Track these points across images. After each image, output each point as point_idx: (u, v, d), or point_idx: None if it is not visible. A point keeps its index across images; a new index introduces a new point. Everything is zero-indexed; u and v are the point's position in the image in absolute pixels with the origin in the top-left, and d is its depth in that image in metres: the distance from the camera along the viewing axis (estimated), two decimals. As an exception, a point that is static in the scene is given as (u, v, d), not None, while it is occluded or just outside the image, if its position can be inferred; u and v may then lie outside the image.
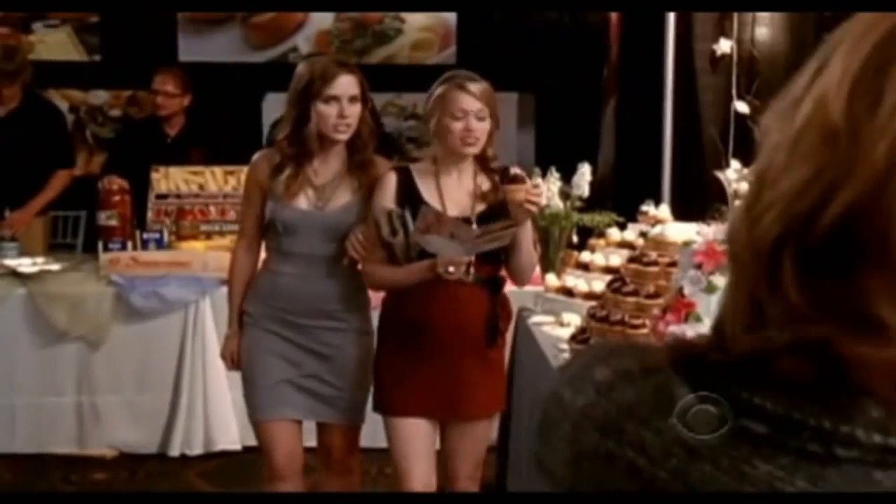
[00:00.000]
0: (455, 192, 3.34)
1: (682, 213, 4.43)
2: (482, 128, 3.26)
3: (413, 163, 3.52)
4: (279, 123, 3.58)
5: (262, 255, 3.64)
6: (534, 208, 3.26)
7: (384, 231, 3.28)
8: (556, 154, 5.24)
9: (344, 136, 3.36)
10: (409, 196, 3.32)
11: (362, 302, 3.55)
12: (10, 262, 5.21)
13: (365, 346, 3.51)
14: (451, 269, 3.17)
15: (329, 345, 3.49)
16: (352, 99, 3.33)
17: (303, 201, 3.41)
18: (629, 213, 4.55)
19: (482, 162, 3.34)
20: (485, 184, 3.33)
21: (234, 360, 3.58)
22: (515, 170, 3.29)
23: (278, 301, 3.48)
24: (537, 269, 3.87)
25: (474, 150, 3.28)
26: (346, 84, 3.33)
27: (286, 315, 3.48)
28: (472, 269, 3.21)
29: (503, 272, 3.44)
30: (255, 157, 3.57)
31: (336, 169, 3.44)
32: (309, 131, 3.34)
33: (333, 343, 3.49)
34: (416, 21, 7.52)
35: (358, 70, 3.39)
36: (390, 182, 3.37)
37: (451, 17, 7.53)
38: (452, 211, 3.28)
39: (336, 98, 3.31)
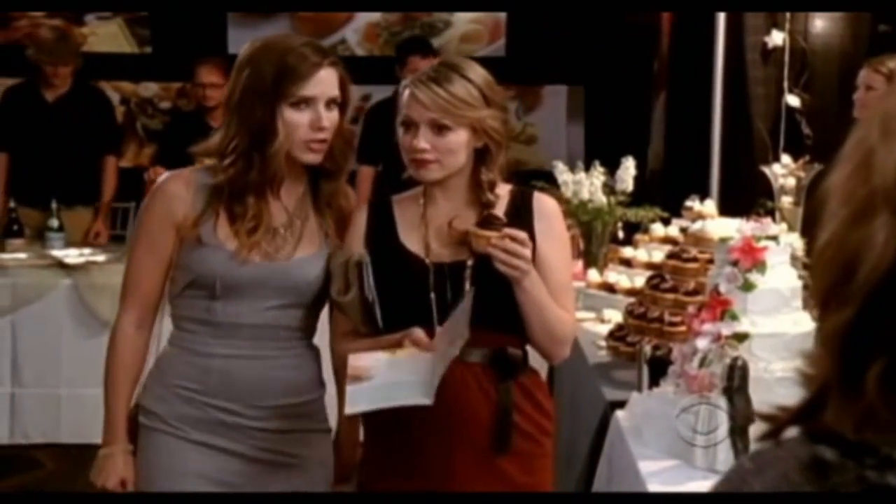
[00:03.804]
0: (444, 231, 2.40)
1: (731, 208, 4.35)
2: (440, 144, 2.32)
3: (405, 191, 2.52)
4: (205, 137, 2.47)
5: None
6: (503, 268, 2.26)
7: (333, 288, 2.38)
8: (606, 147, 5.17)
9: (316, 157, 2.36)
10: (382, 236, 2.42)
11: (321, 384, 2.53)
12: (57, 253, 5.25)
13: (330, 450, 2.54)
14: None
15: (289, 455, 2.44)
16: (330, 103, 2.35)
17: (254, 251, 2.37)
18: (678, 208, 4.48)
19: (475, 189, 2.40)
20: (470, 220, 2.37)
21: (126, 487, 2.41)
22: (493, 212, 2.36)
23: (212, 396, 2.39)
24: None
25: (427, 174, 2.36)
26: (325, 81, 2.33)
27: (224, 416, 2.39)
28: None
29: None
30: (164, 181, 2.44)
31: (296, 202, 2.43)
32: (276, 150, 2.31)
33: (295, 452, 2.45)
34: (465, 13, 7.47)
35: (340, 61, 2.40)
36: (360, 220, 2.45)
37: (500, 9, 7.48)
38: (440, 256, 2.39)
39: (310, 101, 2.32)
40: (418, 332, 2.28)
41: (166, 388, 2.42)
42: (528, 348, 2.46)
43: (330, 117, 2.34)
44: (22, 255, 5.28)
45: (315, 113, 2.32)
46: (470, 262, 2.35)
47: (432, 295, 2.34)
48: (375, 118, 5.88)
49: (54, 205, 5.48)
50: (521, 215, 2.41)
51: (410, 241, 2.41)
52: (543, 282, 2.34)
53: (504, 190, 2.44)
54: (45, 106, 5.69)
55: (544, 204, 2.46)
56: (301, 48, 2.33)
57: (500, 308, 2.32)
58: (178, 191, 2.38)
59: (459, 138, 2.33)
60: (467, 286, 2.32)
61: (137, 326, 2.44)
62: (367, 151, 5.65)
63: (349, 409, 2.25)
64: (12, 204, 5.56)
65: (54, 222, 5.44)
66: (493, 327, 2.32)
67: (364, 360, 2.27)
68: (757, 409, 2.38)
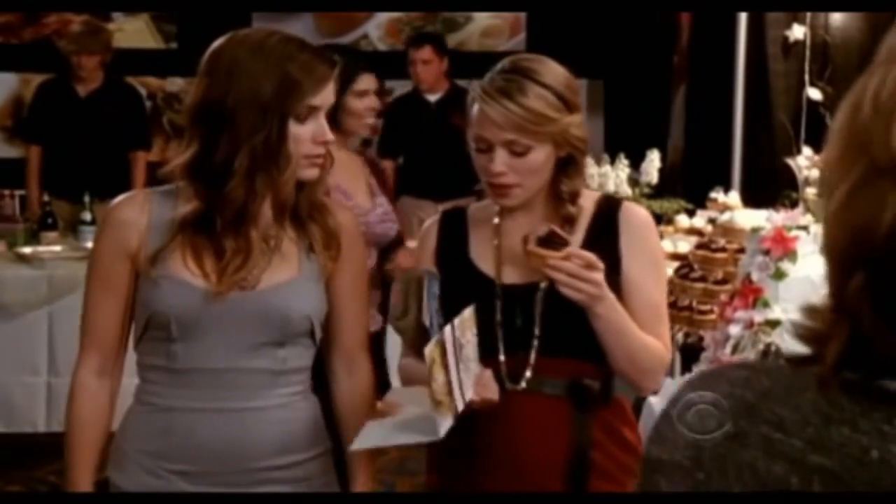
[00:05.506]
0: (518, 249, 2.03)
1: (752, 199, 4.41)
2: (520, 166, 2.01)
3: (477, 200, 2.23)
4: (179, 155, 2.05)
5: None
6: (567, 291, 1.94)
7: (393, 312, 2.15)
8: (625, 140, 5.24)
9: (316, 173, 2.01)
10: (452, 252, 2.14)
11: (321, 440, 2.10)
12: (90, 245, 5.34)
13: None
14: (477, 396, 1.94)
15: None
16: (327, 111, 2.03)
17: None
18: (699, 200, 4.54)
19: (555, 201, 2.09)
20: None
21: None
22: (555, 228, 2.00)
23: (174, 461, 1.99)
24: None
25: (508, 201, 2.07)
26: (330, 90, 2.00)
27: (195, 482, 2.00)
28: (527, 372, 2.04)
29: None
30: (115, 206, 2.05)
31: (268, 221, 2.01)
32: (291, 174, 1.96)
33: None
34: (485, 7, 7.55)
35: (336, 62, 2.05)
36: (431, 233, 2.18)
37: (521, 4, 7.55)
38: (512, 277, 2.09)
39: (316, 111, 1.98)
40: None
41: (125, 456, 2.05)
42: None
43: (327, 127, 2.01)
44: (57, 248, 5.38)
45: (318, 125, 1.98)
46: (543, 285, 2.04)
47: (499, 319, 2.06)
48: (396, 112, 5.98)
49: (87, 198, 5.58)
50: (605, 229, 2.11)
51: (482, 258, 2.12)
52: (630, 303, 2.05)
53: (590, 200, 2.14)
54: (78, 100, 5.80)
55: (633, 215, 2.13)
56: (303, 56, 1.96)
57: (572, 334, 2.04)
58: (131, 217, 2.01)
59: (541, 156, 2.02)
60: (538, 312, 2.05)
61: (98, 374, 2.05)
62: (388, 145, 5.75)
63: (355, 446, 1.94)
64: (46, 197, 5.68)
65: (87, 215, 5.53)
66: (567, 355, 2.04)
67: (399, 396, 2.05)
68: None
